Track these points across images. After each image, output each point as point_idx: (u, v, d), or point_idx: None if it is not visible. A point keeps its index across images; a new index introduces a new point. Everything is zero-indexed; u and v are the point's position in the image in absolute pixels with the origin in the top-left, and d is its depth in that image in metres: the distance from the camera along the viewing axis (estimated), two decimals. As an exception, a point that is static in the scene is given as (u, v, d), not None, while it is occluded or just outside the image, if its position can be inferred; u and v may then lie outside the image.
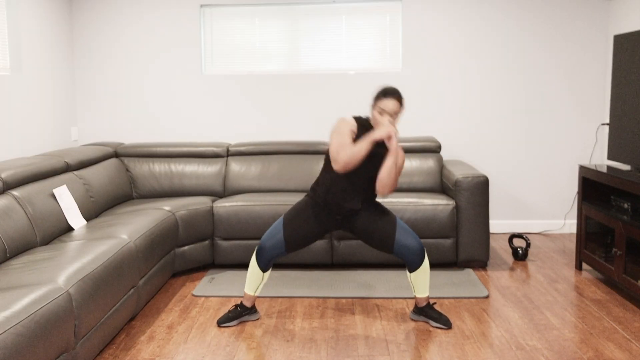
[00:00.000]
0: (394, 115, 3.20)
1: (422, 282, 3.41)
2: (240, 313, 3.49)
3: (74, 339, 2.65)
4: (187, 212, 4.33)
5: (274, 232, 3.37)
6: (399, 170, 3.25)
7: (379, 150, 3.26)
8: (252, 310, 3.54)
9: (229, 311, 3.51)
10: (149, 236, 3.70)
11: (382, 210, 3.40)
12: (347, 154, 3.14)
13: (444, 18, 5.37)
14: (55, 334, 2.45)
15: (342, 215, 3.36)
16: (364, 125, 3.31)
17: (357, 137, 3.28)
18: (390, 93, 3.20)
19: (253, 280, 3.45)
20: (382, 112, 3.19)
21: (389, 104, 3.18)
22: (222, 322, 3.46)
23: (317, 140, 5.21)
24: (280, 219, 3.40)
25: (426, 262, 3.37)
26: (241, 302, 3.52)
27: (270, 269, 3.49)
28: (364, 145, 3.14)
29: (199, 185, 4.98)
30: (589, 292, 3.95)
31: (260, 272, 3.42)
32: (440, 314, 3.43)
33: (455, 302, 3.80)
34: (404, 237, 3.32)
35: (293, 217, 3.38)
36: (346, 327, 3.44)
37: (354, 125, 3.28)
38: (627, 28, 4.99)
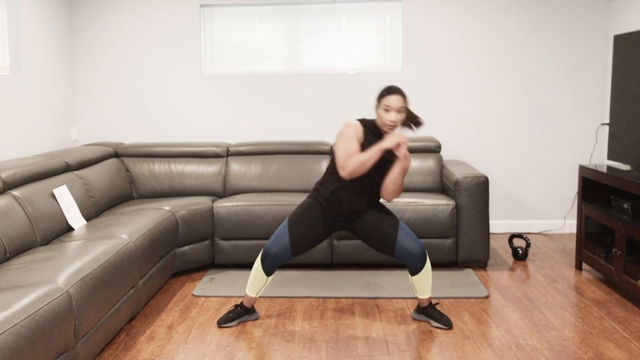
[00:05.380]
0: (400, 110, 3.20)
1: (424, 284, 3.41)
2: (240, 313, 3.50)
3: (74, 339, 2.65)
4: (187, 212, 4.33)
5: (280, 236, 3.34)
6: (404, 173, 3.26)
7: (387, 156, 3.27)
8: (252, 310, 3.54)
9: (229, 311, 3.51)
10: (149, 236, 3.70)
11: (385, 212, 3.40)
12: (355, 162, 3.15)
13: (444, 18, 5.37)
14: (55, 334, 2.45)
15: (346, 216, 3.36)
16: (369, 128, 3.31)
17: (364, 140, 3.28)
18: (393, 90, 3.21)
19: (256, 283, 3.44)
20: (388, 108, 3.20)
21: (394, 99, 3.19)
22: (222, 323, 3.46)
23: (317, 140, 5.20)
24: (285, 222, 3.37)
25: (428, 265, 3.37)
26: (241, 303, 3.52)
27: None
28: (373, 155, 3.15)
29: (199, 185, 4.98)
30: (589, 292, 3.95)
31: (265, 277, 3.41)
32: (441, 314, 3.43)
33: (455, 302, 3.80)
34: (406, 240, 3.31)
35: (298, 220, 3.35)
36: (346, 327, 3.43)
37: (359, 129, 3.29)
38: (627, 28, 4.99)
